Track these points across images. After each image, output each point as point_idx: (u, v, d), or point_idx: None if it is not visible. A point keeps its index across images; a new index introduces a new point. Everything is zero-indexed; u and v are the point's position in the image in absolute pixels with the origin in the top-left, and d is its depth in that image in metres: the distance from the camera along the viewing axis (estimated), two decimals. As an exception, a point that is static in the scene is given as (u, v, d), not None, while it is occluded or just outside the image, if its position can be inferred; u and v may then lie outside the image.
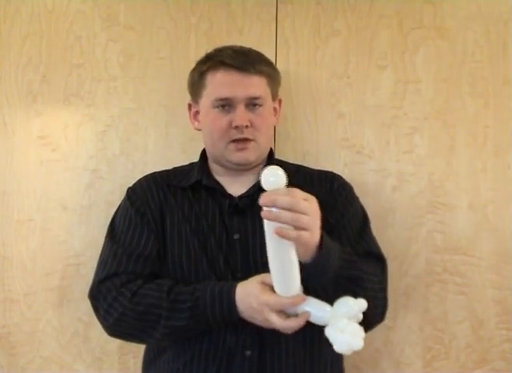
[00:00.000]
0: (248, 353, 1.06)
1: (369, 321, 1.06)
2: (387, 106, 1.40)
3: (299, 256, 0.92)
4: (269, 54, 1.40)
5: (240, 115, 1.10)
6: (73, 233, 1.44)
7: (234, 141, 1.12)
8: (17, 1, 1.46)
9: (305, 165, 1.30)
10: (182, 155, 1.40)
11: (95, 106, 1.45)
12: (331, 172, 1.25)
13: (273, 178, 0.87)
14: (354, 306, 0.93)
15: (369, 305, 1.01)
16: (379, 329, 1.37)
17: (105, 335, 1.39)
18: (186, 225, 1.14)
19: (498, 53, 1.37)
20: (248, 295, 0.99)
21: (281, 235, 0.86)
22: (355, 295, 0.96)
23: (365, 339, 1.36)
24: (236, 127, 1.11)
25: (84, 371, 1.43)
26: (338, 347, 0.92)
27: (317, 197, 1.13)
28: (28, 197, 1.44)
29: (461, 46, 1.39)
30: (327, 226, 1.05)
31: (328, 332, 0.94)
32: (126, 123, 1.44)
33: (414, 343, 1.38)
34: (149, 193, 1.18)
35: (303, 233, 0.88)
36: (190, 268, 1.11)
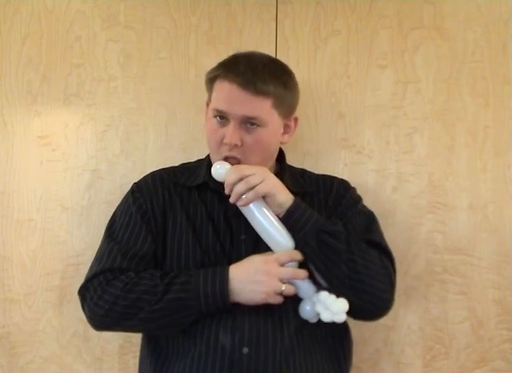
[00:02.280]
0: (246, 350, 1.05)
1: (367, 291, 1.07)
2: (387, 106, 1.40)
3: (275, 211, 1.07)
4: (269, 54, 1.41)
5: (230, 132, 1.08)
6: (73, 233, 1.44)
7: (225, 158, 1.11)
8: (17, 1, 1.46)
9: (305, 165, 1.31)
10: (182, 155, 1.40)
11: (95, 106, 1.45)
12: (335, 177, 1.25)
13: (221, 170, 1.08)
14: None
15: (363, 274, 1.06)
16: (379, 329, 1.38)
17: (105, 335, 1.40)
18: (189, 228, 1.13)
19: (498, 53, 1.38)
20: (250, 262, 1.06)
21: (246, 201, 1.05)
22: (340, 255, 1.05)
23: (365, 339, 1.38)
24: (226, 144, 1.09)
25: (84, 371, 1.43)
26: (324, 314, 1.03)
27: (323, 202, 1.16)
28: (28, 197, 1.44)
29: (461, 46, 1.39)
30: None
31: (310, 302, 1.07)
32: (126, 123, 1.44)
33: (414, 343, 1.38)
34: (153, 192, 1.17)
35: (258, 187, 1.04)
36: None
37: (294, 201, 1.08)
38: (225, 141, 1.09)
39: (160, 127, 1.44)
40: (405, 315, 1.38)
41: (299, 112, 1.42)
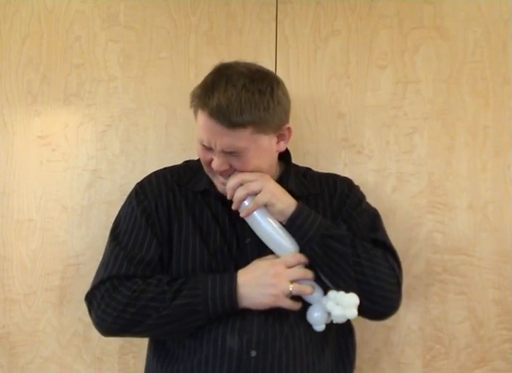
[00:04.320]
0: (254, 353, 1.05)
1: (375, 293, 1.07)
2: (387, 106, 1.40)
3: (278, 218, 1.08)
4: (269, 54, 1.42)
5: (216, 162, 1.07)
6: (73, 233, 1.44)
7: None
8: (17, 1, 1.46)
9: (305, 164, 1.30)
10: (182, 155, 1.40)
11: (95, 106, 1.45)
12: (338, 176, 1.24)
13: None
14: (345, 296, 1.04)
15: (370, 276, 1.06)
16: (379, 329, 1.38)
17: (105, 335, 1.39)
18: (196, 231, 1.13)
19: (498, 53, 1.38)
20: (257, 267, 1.07)
21: (248, 212, 1.06)
22: (347, 258, 1.04)
23: (365, 340, 1.38)
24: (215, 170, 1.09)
25: (84, 371, 1.43)
26: (335, 314, 1.03)
27: (327, 203, 1.18)
28: (28, 197, 1.44)
29: (461, 46, 1.39)
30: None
31: (320, 306, 1.06)
32: (126, 123, 1.44)
33: (414, 343, 1.38)
34: (157, 194, 1.16)
35: (258, 196, 1.06)
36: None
37: (296, 207, 1.07)
38: (213, 167, 1.08)
39: (160, 127, 1.44)
40: (405, 315, 1.38)
41: (299, 112, 1.42)
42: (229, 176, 1.10)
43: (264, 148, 1.09)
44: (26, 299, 1.43)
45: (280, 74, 1.40)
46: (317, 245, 1.05)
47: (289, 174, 1.19)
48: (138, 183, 1.20)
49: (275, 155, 1.15)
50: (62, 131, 1.45)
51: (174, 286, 1.05)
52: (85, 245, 1.43)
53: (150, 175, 1.21)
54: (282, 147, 1.14)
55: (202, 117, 1.06)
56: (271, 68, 1.40)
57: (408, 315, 1.38)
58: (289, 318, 1.07)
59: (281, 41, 1.43)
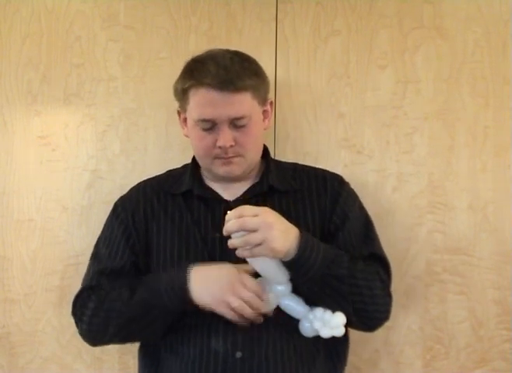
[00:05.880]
0: (239, 354, 1.05)
1: (371, 317, 1.08)
2: (387, 106, 1.40)
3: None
4: (269, 54, 1.42)
5: (224, 136, 1.08)
6: (73, 233, 1.44)
7: (219, 157, 1.11)
8: (17, 1, 1.46)
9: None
10: (182, 155, 1.40)
11: (95, 106, 1.45)
12: (327, 172, 1.23)
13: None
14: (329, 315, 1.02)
15: (368, 304, 1.05)
16: (378, 329, 1.37)
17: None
18: (173, 238, 1.13)
19: (498, 53, 1.37)
20: (218, 268, 1.04)
21: (242, 257, 0.98)
22: (344, 295, 1.02)
23: (364, 340, 1.37)
24: (220, 147, 1.09)
25: (84, 371, 1.43)
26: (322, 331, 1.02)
27: (315, 199, 1.16)
28: (28, 197, 1.44)
29: (461, 46, 1.39)
30: (332, 226, 1.13)
31: (307, 319, 1.03)
32: (126, 123, 1.44)
33: (414, 343, 1.38)
34: (135, 206, 1.18)
35: (257, 249, 0.96)
36: None
37: (297, 251, 0.99)
38: (219, 144, 1.08)
39: (160, 127, 1.44)
40: (405, 315, 1.38)
41: (299, 112, 1.42)
42: (232, 159, 1.10)
43: (258, 121, 1.13)
44: (26, 299, 1.43)
45: (280, 74, 1.41)
46: (315, 284, 1.02)
47: (271, 172, 1.18)
48: (120, 197, 1.23)
49: (264, 135, 1.19)
50: (62, 131, 1.45)
51: (133, 285, 1.07)
52: (85, 245, 1.43)
53: (131, 188, 1.24)
54: (267, 124, 1.19)
55: (201, 93, 1.07)
56: (271, 68, 1.40)
57: (407, 315, 1.38)
58: (274, 318, 1.05)
59: (281, 41, 1.43)
